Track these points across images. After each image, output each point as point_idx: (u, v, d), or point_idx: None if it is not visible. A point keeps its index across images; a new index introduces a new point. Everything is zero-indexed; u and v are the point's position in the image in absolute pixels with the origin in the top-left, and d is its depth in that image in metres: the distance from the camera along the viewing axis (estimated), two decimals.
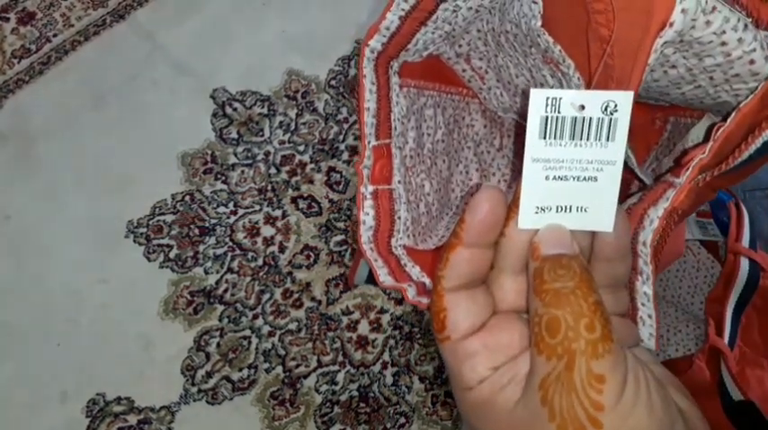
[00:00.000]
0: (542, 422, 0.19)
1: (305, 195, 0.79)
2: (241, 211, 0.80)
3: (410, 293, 0.38)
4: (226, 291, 0.76)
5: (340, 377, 0.72)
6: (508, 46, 0.43)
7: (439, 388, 0.72)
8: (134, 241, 0.79)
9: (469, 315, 0.21)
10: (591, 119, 0.21)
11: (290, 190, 0.80)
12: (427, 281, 0.42)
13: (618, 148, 0.22)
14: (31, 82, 0.88)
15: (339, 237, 0.78)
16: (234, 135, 0.83)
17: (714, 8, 0.29)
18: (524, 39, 0.40)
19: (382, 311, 0.75)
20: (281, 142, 0.82)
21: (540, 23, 0.35)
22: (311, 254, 0.77)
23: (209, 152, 0.83)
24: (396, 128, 0.42)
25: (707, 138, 0.33)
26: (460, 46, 0.46)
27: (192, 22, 0.90)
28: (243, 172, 0.81)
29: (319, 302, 0.75)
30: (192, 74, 0.87)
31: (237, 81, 0.86)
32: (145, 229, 0.79)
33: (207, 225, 0.79)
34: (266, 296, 0.75)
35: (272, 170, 0.80)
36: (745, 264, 0.57)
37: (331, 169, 0.80)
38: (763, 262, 0.57)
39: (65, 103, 0.86)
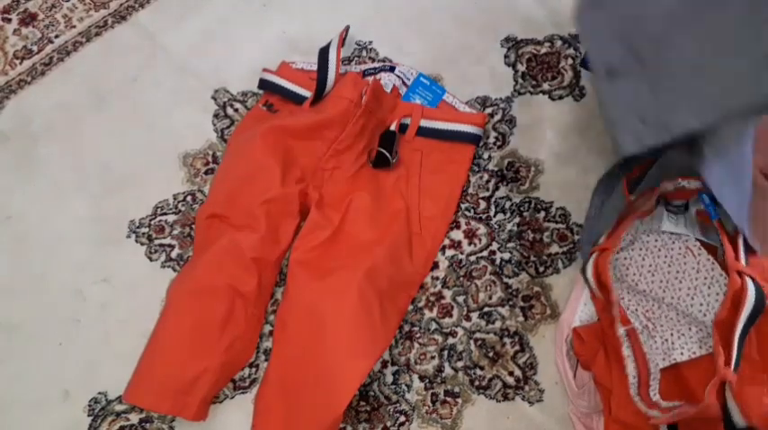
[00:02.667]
0: None
1: None
2: None
3: None
4: None
5: None
6: None
7: (438, 386, 0.72)
8: (136, 241, 0.79)
9: None
10: None
11: None
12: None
13: None
14: (33, 83, 0.88)
15: None
16: None
17: None
18: None
19: None
20: None
21: None
22: None
23: (211, 152, 0.83)
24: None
25: None
26: None
27: (194, 24, 0.91)
28: None
29: None
30: (194, 74, 0.88)
31: (239, 82, 0.87)
32: (147, 229, 0.80)
33: None
34: None
35: None
36: (751, 286, 0.56)
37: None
38: (759, 274, 0.56)
39: (66, 104, 0.87)
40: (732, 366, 0.54)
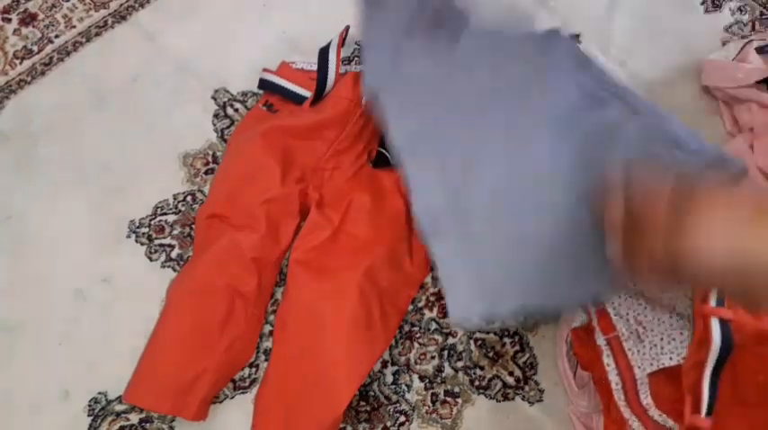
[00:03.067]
0: None
1: None
2: None
3: None
4: None
5: None
6: None
7: (438, 386, 0.72)
8: (136, 241, 0.79)
9: None
10: None
11: None
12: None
13: None
14: (32, 82, 0.88)
15: None
16: None
17: None
18: None
19: None
20: None
21: None
22: None
23: (211, 153, 0.83)
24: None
25: None
26: None
27: (194, 24, 0.91)
28: None
29: None
30: (194, 75, 0.88)
31: (239, 82, 0.87)
32: (146, 229, 0.80)
33: None
34: None
35: None
36: (716, 328, 0.55)
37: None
38: (734, 316, 0.54)
39: (66, 104, 0.87)
40: (703, 412, 0.53)
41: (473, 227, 0.55)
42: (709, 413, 0.53)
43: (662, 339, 0.61)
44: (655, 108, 0.61)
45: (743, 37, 0.86)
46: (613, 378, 0.60)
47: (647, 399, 0.58)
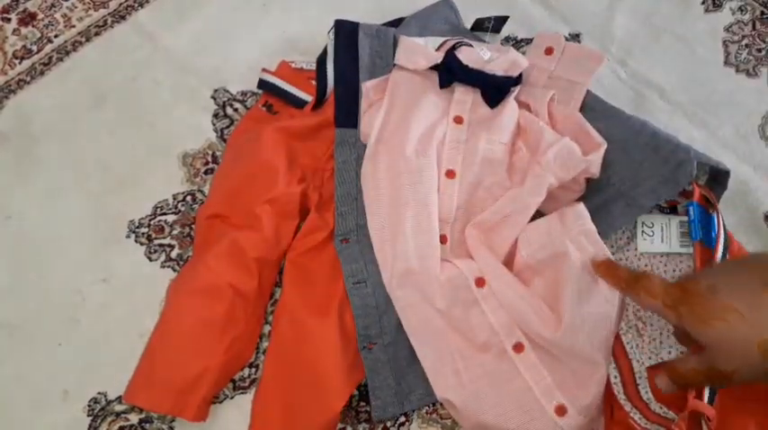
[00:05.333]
0: None
1: None
2: None
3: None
4: None
5: None
6: None
7: None
8: (135, 241, 0.79)
9: None
10: None
11: None
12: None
13: None
14: (32, 82, 0.88)
15: None
16: None
17: None
18: None
19: None
20: None
21: None
22: None
23: (211, 152, 0.83)
24: None
25: None
26: None
27: (193, 23, 0.91)
28: None
29: None
30: (193, 74, 0.88)
31: (238, 81, 0.87)
32: (146, 229, 0.80)
33: None
34: None
35: None
36: None
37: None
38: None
39: (66, 104, 0.87)
40: (705, 398, 0.53)
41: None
42: (710, 401, 0.54)
43: (661, 334, 0.61)
44: None
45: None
46: (611, 371, 0.60)
47: (647, 394, 0.59)
